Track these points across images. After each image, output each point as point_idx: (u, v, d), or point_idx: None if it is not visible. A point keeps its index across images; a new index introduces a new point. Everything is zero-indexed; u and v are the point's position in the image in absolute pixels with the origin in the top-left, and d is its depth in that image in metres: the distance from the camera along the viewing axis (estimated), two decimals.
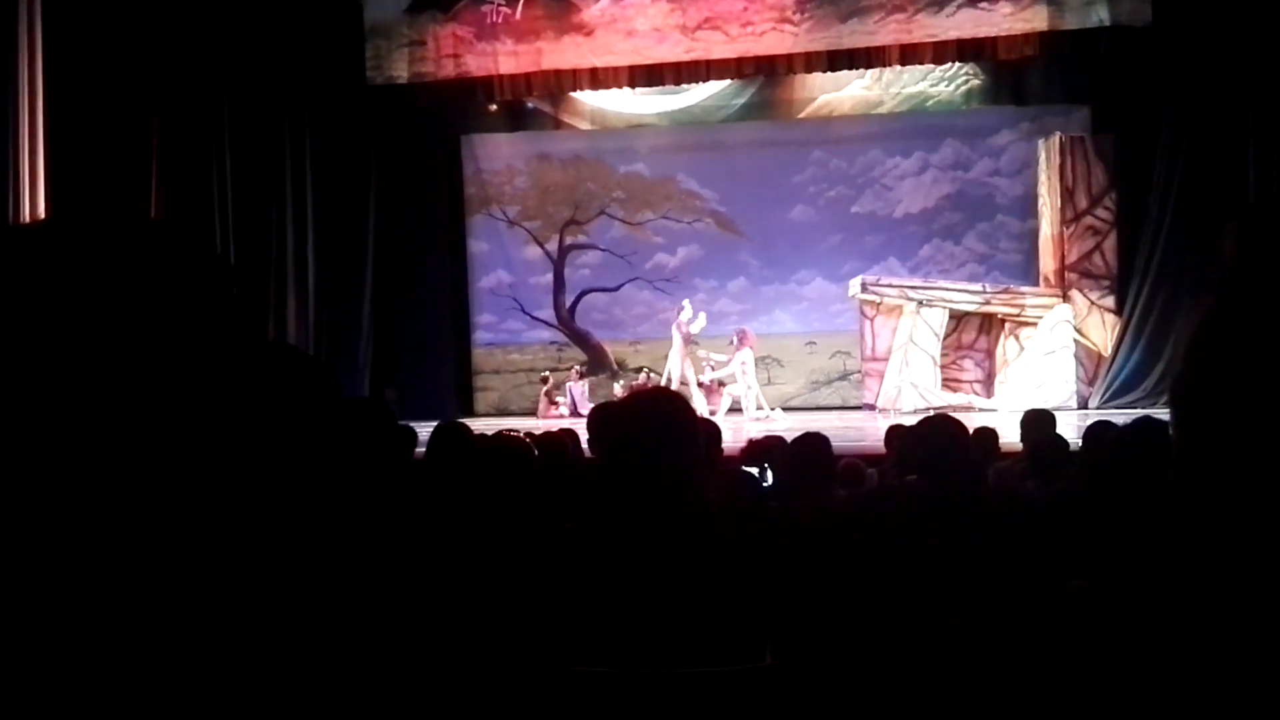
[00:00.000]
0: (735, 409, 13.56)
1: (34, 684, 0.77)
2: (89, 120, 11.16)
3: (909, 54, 12.96)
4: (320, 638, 0.93)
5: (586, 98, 14.76)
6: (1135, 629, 0.89)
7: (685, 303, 13.99)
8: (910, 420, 4.23)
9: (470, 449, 4.25)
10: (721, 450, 4.85)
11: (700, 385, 13.68)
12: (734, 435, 8.57)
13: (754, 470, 4.84)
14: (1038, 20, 12.45)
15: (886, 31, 12.81)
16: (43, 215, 10.14)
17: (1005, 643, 0.93)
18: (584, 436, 5.61)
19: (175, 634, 0.82)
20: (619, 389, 14.11)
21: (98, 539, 0.80)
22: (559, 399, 14.56)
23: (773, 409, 13.55)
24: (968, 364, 13.75)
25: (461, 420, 5.52)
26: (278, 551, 1.01)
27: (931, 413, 5.60)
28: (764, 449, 5.50)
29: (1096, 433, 4.32)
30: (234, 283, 0.92)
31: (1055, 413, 6.27)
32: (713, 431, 4.56)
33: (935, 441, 3.55)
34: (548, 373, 14.97)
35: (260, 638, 0.87)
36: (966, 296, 13.53)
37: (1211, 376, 0.90)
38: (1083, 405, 12.72)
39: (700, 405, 12.92)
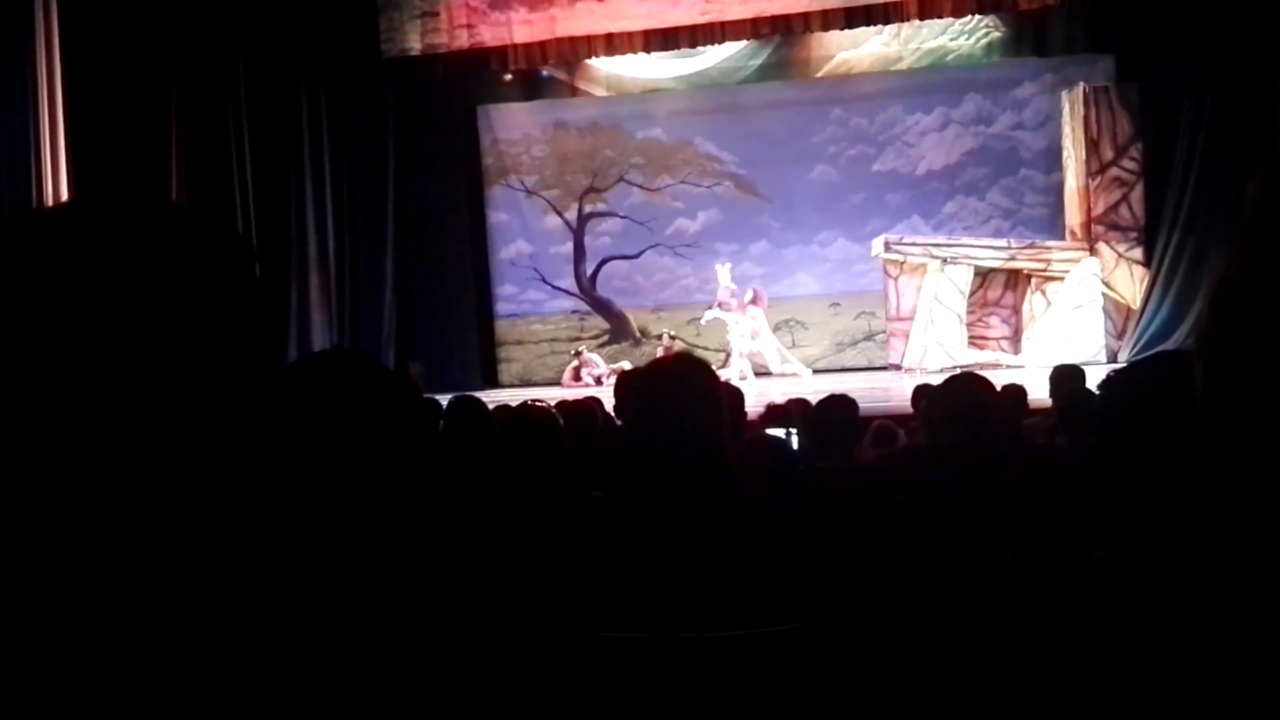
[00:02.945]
0: (762, 373, 13.53)
1: (34, 683, 0.77)
2: (108, 102, 11.21)
3: (928, 7, 12.79)
4: (348, 615, 0.93)
5: (602, 64, 14.68)
6: (1162, 593, 0.87)
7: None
8: (937, 379, 4.20)
9: (485, 422, 4.25)
10: (745, 414, 4.83)
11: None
12: (758, 398, 8.55)
13: (780, 433, 4.81)
14: None
15: None
16: (65, 196, 10.23)
17: (1033, 609, 0.91)
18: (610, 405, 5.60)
19: (189, 619, 0.81)
20: (660, 352, 14.07)
21: (114, 528, 0.80)
22: (584, 373, 14.54)
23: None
24: (994, 321, 13.67)
25: (475, 394, 5.52)
26: (303, 534, 1.00)
27: (958, 371, 5.56)
28: (785, 412, 5.47)
29: (1111, 380, 4.25)
30: (256, 267, 0.92)
31: (1085, 367, 6.21)
32: (735, 396, 4.54)
33: (961, 400, 3.51)
34: (581, 348, 14.94)
35: (284, 618, 0.87)
36: (991, 253, 13.42)
37: (1236, 326, 0.87)
38: (1112, 359, 12.60)
39: (734, 372, 12.92)
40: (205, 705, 0.80)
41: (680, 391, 2.32)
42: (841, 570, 2.25)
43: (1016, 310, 13.60)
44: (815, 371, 13.74)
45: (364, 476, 1.46)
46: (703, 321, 14.16)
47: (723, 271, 14.05)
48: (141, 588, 0.80)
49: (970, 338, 13.31)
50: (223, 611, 0.82)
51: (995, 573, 0.95)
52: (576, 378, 14.47)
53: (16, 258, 0.81)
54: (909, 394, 6.73)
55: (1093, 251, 13.10)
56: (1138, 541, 0.90)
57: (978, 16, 13.73)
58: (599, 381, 13.83)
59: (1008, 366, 12.44)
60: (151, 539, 0.80)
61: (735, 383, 9.91)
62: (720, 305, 13.89)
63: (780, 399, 6.56)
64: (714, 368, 2.80)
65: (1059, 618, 0.90)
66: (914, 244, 13.54)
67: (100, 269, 0.81)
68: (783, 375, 13.39)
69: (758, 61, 14.71)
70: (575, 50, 13.69)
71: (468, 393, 5.42)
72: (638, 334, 15.41)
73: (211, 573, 0.83)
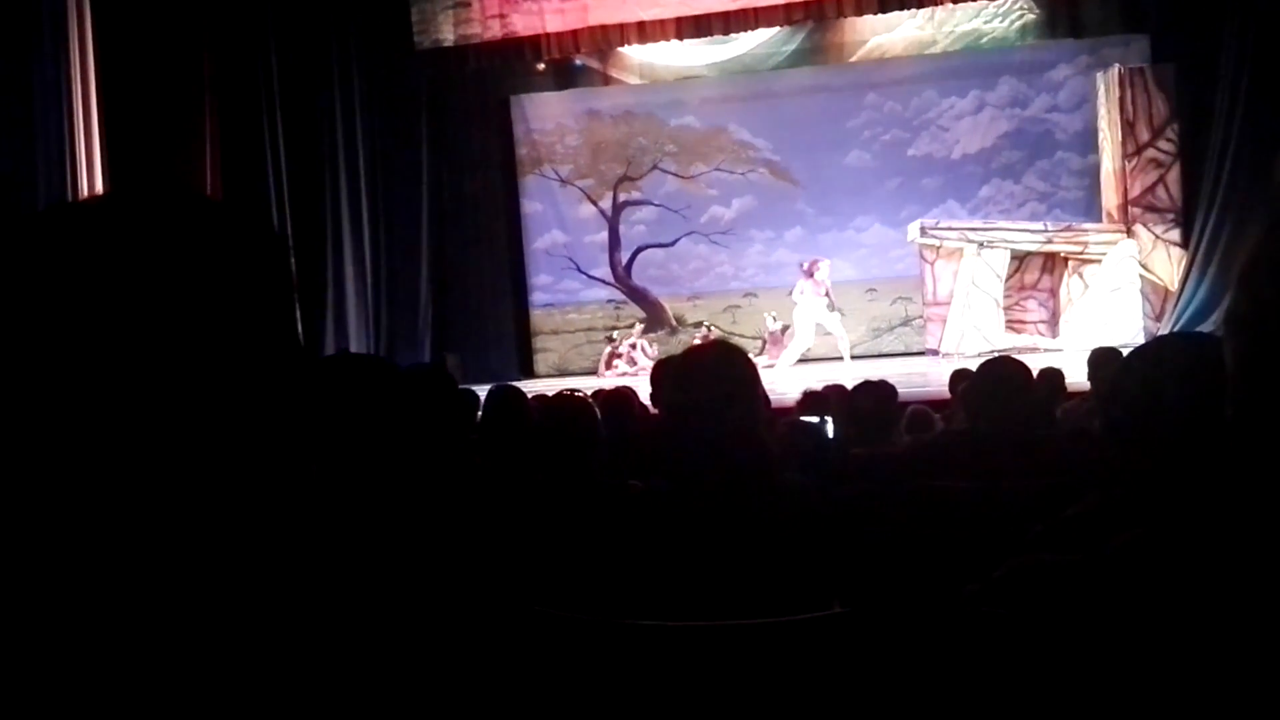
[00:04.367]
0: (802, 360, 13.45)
1: (34, 683, 0.77)
2: (143, 96, 11.28)
3: None
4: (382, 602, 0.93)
5: (634, 52, 14.64)
6: (1189, 576, 0.86)
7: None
8: (974, 364, 4.18)
9: (523, 412, 4.27)
10: (768, 400, 4.79)
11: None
12: (797, 383, 8.52)
13: (814, 419, 4.81)
14: None
15: None
16: (100, 189, 10.31)
17: (1048, 599, 0.91)
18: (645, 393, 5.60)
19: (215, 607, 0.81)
20: (699, 340, 13.98)
21: (142, 522, 0.81)
22: (617, 360, 14.53)
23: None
24: (1031, 305, 13.56)
25: (515, 384, 5.54)
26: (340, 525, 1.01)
27: (995, 355, 5.54)
28: (821, 399, 5.46)
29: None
30: (291, 260, 0.91)
31: (1123, 350, 6.16)
32: None
33: (997, 383, 3.51)
34: (615, 333, 14.92)
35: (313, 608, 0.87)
36: (1028, 236, 13.30)
37: (1264, 306, 0.87)
38: None
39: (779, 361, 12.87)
40: (240, 694, 0.80)
41: (718, 378, 2.33)
42: (879, 556, 2.26)
43: (1054, 293, 13.48)
44: (851, 358, 13.65)
45: (375, 472, 1.46)
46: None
47: (824, 266, 13.34)
48: (163, 578, 0.80)
49: (1008, 322, 13.21)
50: (253, 599, 0.82)
51: (1015, 560, 0.95)
52: (609, 365, 14.47)
53: (53, 251, 0.81)
54: (946, 379, 6.71)
55: (1130, 233, 12.96)
56: (1166, 525, 0.90)
57: None
58: (633, 363, 13.84)
59: (1045, 350, 12.33)
60: (179, 531, 0.80)
61: (769, 369, 9.88)
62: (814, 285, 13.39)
63: (817, 385, 6.55)
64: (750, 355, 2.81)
65: (1080, 603, 0.90)
66: (950, 228, 13.43)
67: (137, 263, 0.81)
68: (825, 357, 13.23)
69: (791, 47, 14.63)
70: (608, 38, 13.66)
71: (505, 383, 5.44)
72: (674, 322, 15.39)
73: (237, 564, 0.82)
